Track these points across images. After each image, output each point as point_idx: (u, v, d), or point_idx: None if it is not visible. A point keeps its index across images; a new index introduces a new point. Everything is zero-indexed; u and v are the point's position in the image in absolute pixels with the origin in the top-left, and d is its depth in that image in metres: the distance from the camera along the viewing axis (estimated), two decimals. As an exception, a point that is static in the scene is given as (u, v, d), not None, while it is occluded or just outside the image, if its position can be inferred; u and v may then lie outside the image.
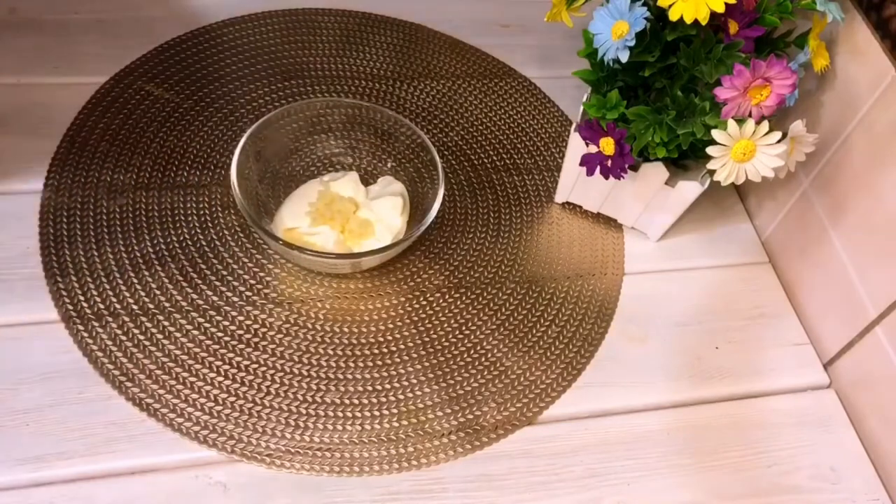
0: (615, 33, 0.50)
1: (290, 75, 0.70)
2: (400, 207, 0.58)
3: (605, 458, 0.52)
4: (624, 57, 0.50)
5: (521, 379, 0.55)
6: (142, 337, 0.53)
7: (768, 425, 0.56)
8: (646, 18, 0.49)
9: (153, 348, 0.52)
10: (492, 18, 0.79)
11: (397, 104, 0.70)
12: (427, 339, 0.56)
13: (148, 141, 0.63)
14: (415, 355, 0.55)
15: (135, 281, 0.55)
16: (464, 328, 0.57)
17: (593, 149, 0.55)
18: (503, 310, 0.59)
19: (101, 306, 0.54)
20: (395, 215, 0.58)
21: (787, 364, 0.59)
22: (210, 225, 0.59)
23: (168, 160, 0.62)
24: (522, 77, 0.74)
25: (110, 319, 0.53)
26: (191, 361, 0.52)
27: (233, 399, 0.51)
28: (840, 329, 0.58)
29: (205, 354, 0.53)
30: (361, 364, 0.54)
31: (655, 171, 0.57)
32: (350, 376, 0.54)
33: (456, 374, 0.55)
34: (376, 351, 0.55)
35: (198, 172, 0.62)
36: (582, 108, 0.56)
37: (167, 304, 0.54)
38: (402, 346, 0.56)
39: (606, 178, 0.56)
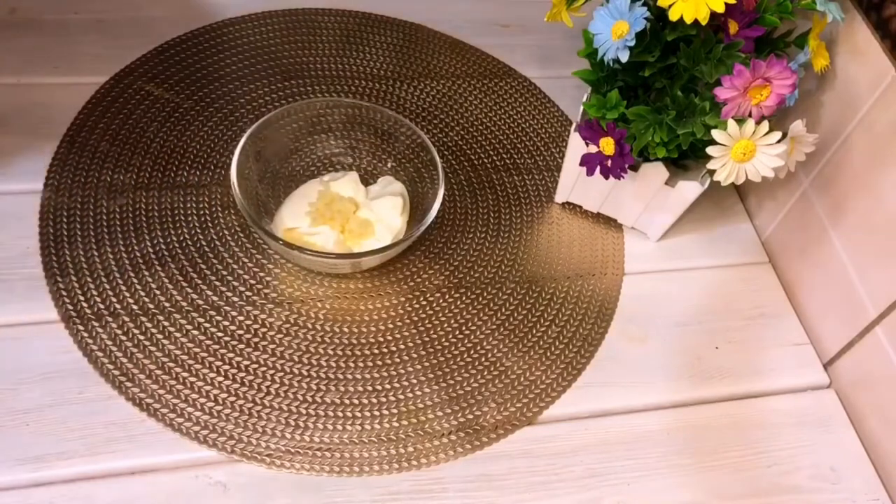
0: (615, 33, 0.50)
1: (290, 75, 0.70)
2: (400, 207, 0.58)
3: (605, 458, 0.52)
4: (624, 57, 0.50)
5: (521, 379, 0.55)
6: (142, 337, 0.53)
7: (768, 425, 0.56)
8: (646, 18, 0.49)
9: (153, 348, 0.52)
10: (492, 18, 0.79)
11: (397, 104, 0.70)
12: (427, 339, 0.56)
13: (148, 141, 0.63)
14: (415, 355, 0.55)
15: (135, 281, 0.55)
16: (464, 328, 0.57)
17: (593, 149, 0.55)
18: (503, 310, 0.59)
19: (101, 306, 0.54)
20: (395, 215, 0.58)
21: (787, 364, 0.59)
22: (210, 225, 0.59)
23: (168, 160, 0.62)
24: (522, 77, 0.74)
25: (110, 319, 0.53)
26: (191, 361, 0.52)
27: (233, 399, 0.51)
28: (840, 329, 0.58)
29: (205, 354, 0.53)
30: (361, 364, 0.54)
31: (655, 171, 0.57)
32: (350, 376, 0.54)
33: (456, 374, 0.55)
34: (376, 351, 0.55)
35: (198, 172, 0.62)
36: (582, 108, 0.56)
37: (167, 304, 0.54)
38: (402, 346, 0.56)
39: (606, 178, 0.56)
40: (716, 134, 0.49)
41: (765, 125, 0.49)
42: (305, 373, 0.53)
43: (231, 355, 0.53)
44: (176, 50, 0.69)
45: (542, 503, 0.50)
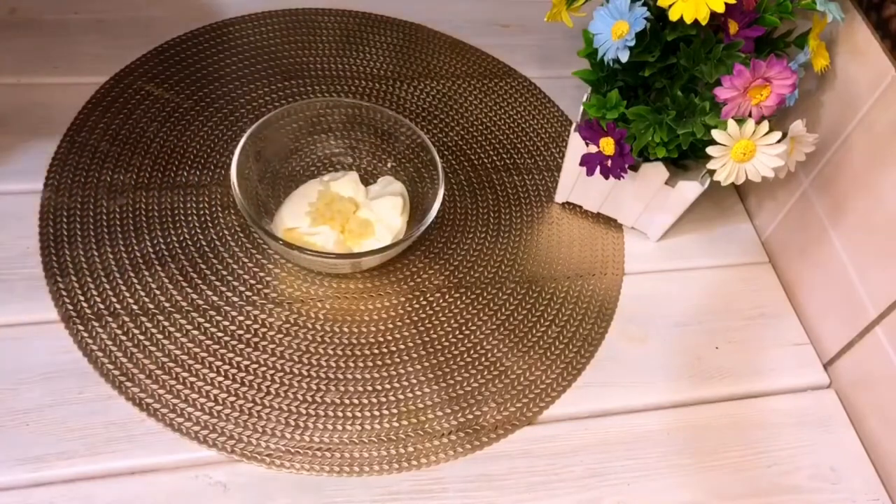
0: (615, 33, 0.50)
1: (290, 75, 0.70)
2: (400, 207, 0.58)
3: (605, 458, 0.52)
4: (624, 57, 0.50)
5: (521, 379, 0.55)
6: (142, 337, 0.53)
7: (768, 425, 0.56)
8: (646, 18, 0.49)
9: (153, 348, 0.52)
10: (492, 18, 0.79)
11: (397, 104, 0.70)
12: (427, 339, 0.56)
13: (148, 141, 0.63)
14: (415, 355, 0.55)
15: (135, 281, 0.55)
16: (464, 328, 0.57)
17: (593, 149, 0.55)
18: (503, 310, 0.59)
19: (101, 306, 0.54)
20: (395, 215, 0.58)
21: (787, 364, 0.59)
22: (210, 225, 0.59)
23: (168, 160, 0.62)
24: (522, 77, 0.74)
25: (110, 319, 0.53)
26: (191, 361, 0.52)
27: (233, 399, 0.51)
28: (840, 329, 0.58)
29: (205, 354, 0.53)
30: (361, 364, 0.54)
31: (655, 171, 0.57)
32: (350, 376, 0.54)
33: (456, 374, 0.55)
34: (376, 351, 0.55)
35: (198, 172, 0.62)
36: (582, 108, 0.56)
37: (167, 304, 0.54)
38: (402, 346, 0.56)
39: (606, 178, 0.56)
40: (716, 134, 0.49)
41: (765, 125, 0.49)
42: (305, 373, 0.53)
43: (231, 355, 0.53)
44: (176, 50, 0.69)
45: (542, 503, 0.50)
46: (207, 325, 0.54)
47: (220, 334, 0.54)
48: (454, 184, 0.65)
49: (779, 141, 0.49)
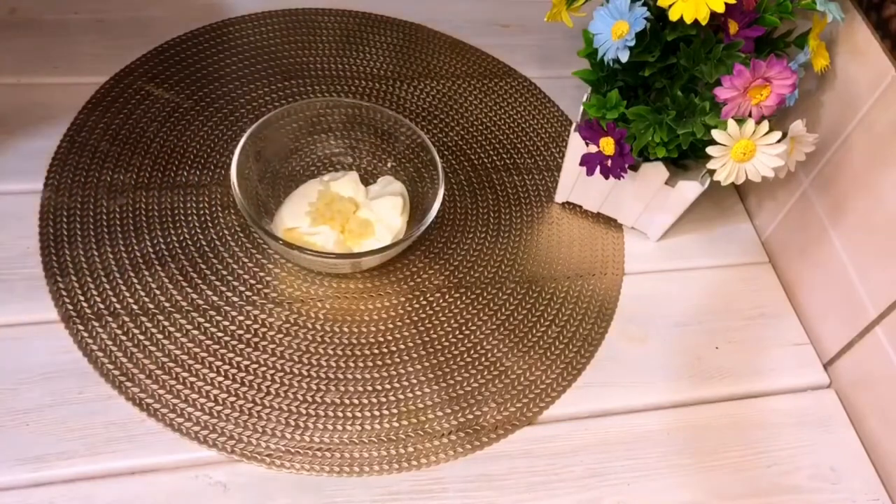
0: (615, 33, 0.50)
1: (290, 75, 0.70)
2: (400, 207, 0.58)
3: (605, 458, 0.52)
4: (624, 57, 0.50)
5: (521, 379, 0.55)
6: (142, 337, 0.53)
7: (768, 425, 0.56)
8: (646, 18, 0.49)
9: (153, 348, 0.52)
10: (492, 18, 0.79)
11: (397, 104, 0.70)
12: (427, 339, 0.56)
13: (148, 141, 0.63)
14: (415, 355, 0.55)
15: (135, 281, 0.55)
16: (464, 328, 0.57)
17: (593, 149, 0.55)
18: (503, 310, 0.59)
19: (101, 306, 0.54)
20: (395, 215, 0.58)
21: (787, 364, 0.59)
22: (210, 225, 0.59)
23: (168, 160, 0.62)
24: (522, 77, 0.74)
25: (110, 319, 0.53)
26: (191, 361, 0.52)
27: (233, 399, 0.51)
28: (840, 329, 0.58)
29: (205, 354, 0.53)
30: (361, 364, 0.54)
31: (655, 171, 0.57)
32: (350, 376, 0.54)
33: (456, 374, 0.55)
34: (376, 351, 0.55)
35: (198, 172, 0.62)
36: (582, 108, 0.56)
37: (167, 304, 0.54)
38: (402, 346, 0.56)
39: (606, 178, 0.56)
40: (716, 134, 0.49)
41: (765, 125, 0.49)
42: (305, 373, 0.53)
43: (231, 355, 0.53)
44: (176, 50, 0.69)
45: (542, 503, 0.50)
46: (207, 325, 0.54)
47: (220, 334, 0.54)
48: (454, 184, 0.65)
49: (779, 141, 0.49)
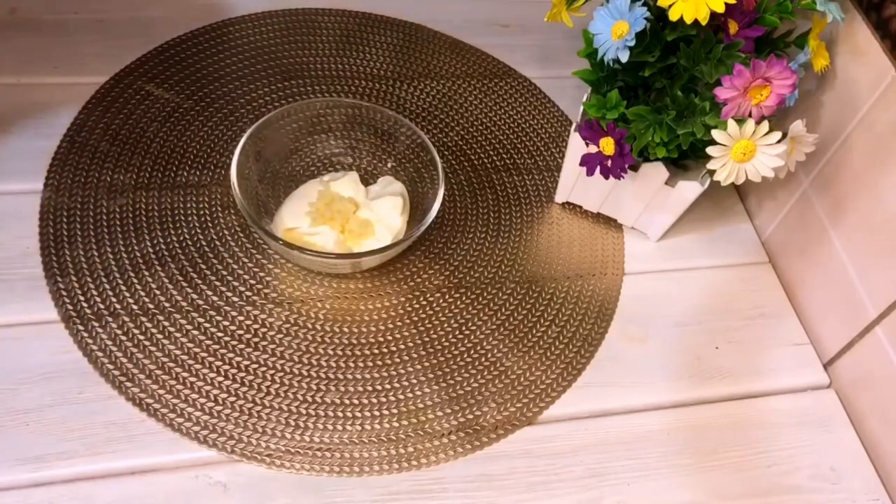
0: (615, 33, 0.50)
1: (290, 75, 0.70)
2: (400, 207, 0.58)
3: (605, 458, 0.52)
4: (624, 57, 0.50)
5: (521, 379, 0.55)
6: (142, 337, 0.53)
7: (768, 425, 0.56)
8: (646, 18, 0.49)
9: (153, 348, 0.52)
10: (492, 18, 0.79)
11: (397, 104, 0.70)
12: (427, 339, 0.56)
13: (148, 141, 0.63)
14: (415, 355, 0.55)
15: (135, 281, 0.55)
16: (464, 328, 0.57)
17: (593, 149, 0.55)
18: (503, 310, 0.59)
19: (101, 306, 0.54)
20: (395, 215, 0.58)
21: (787, 364, 0.59)
22: (210, 225, 0.59)
23: (168, 160, 0.62)
24: (522, 77, 0.74)
25: (110, 319, 0.53)
26: (191, 361, 0.52)
27: (233, 399, 0.51)
28: (840, 329, 0.58)
29: (205, 354, 0.53)
30: (361, 364, 0.54)
31: (655, 171, 0.57)
32: (350, 376, 0.54)
33: (456, 374, 0.55)
34: (376, 351, 0.55)
35: (198, 172, 0.62)
36: (582, 108, 0.56)
37: (167, 304, 0.54)
38: (402, 346, 0.56)
39: (606, 178, 0.56)
40: (716, 134, 0.49)
41: (765, 125, 0.49)
42: (305, 373, 0.53)
43: (231, 355, 0.53)
44: (176, 50, 0.69)
45: (542, 503, 0.50)
46: (207, 325, 0.54)
47: (220, 334, 0.54)
48: (454, 184, 0.65)
49: (779, 141, 0.49)
